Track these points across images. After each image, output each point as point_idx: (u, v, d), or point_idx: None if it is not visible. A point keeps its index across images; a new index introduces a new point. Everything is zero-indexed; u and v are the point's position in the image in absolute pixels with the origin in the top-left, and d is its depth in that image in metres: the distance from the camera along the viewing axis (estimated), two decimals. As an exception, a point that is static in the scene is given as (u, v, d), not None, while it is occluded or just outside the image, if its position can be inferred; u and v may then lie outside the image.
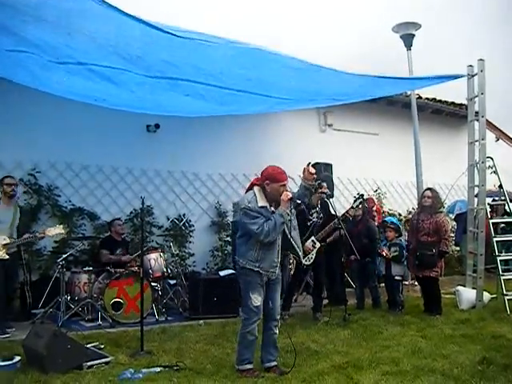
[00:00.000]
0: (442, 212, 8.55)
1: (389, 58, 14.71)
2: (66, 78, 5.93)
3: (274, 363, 5.43)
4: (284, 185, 5.25)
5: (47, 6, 5.59)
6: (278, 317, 5.51)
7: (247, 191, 5.45)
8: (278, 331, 5.46)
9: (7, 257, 7.45)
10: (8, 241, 7.48)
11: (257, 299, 5.21)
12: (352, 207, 8.46)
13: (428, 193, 8.56)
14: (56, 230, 7.61)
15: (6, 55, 5.72)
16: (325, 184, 8.59)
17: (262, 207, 5.19)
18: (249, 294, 5.22)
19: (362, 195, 8.58)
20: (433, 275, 8.19)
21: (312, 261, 8.06)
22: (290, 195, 5.21)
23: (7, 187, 7.70)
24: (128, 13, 5.90)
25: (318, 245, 8.06)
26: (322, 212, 8.36)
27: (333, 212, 8.07)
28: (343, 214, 8.46)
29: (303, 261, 7.55)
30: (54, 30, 5.80)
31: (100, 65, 6.20)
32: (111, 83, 6.53)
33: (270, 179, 5.24)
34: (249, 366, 5.28)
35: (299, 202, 6.04)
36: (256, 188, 5.32)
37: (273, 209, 5.28)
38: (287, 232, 5.41)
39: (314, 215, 8.22)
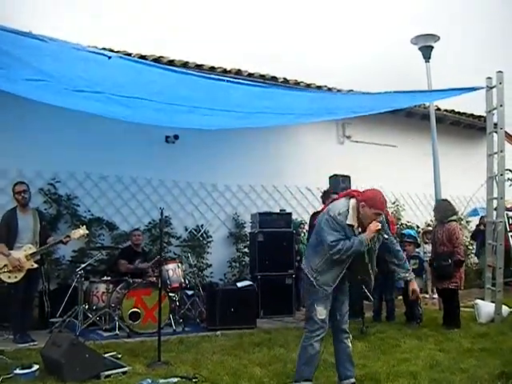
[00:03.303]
0: (454, 220, 8.50)
1: (408, 69, 14.72)
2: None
3: (353, 380, 5.13)
4: (379, 214, 4.90)
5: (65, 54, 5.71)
6: (347, 327, 5.18)
7: (340, 197, 5.14)
8: (350, 344, 5.19)
9: (36, 266, 7.44)
10: (34, 249, 7.43)
11: (322, 312, 4.92)
12: None
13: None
14: (80, 232, 7.60)
15: (25, 83, 5.88)
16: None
17: (349, 225, 4.87)
18: (314, 305, 4.94)
19: None
20: (452, 287, 8.11)
21: None
22: (379, 227, 4.89)
23: (17, 195, 7.57)
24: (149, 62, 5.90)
25: None
26: None
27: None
28: None
29: None
30: (70, 69, 5.94)
31: (117, 94, 6.31)
32: (128, 108, 6.64)
33: (368, 203, 4.86)
34: None
35: None
36: (353, 202, 4.95)
37: (359, 230, 4.95)
38: (367, 260, 5.02)
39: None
